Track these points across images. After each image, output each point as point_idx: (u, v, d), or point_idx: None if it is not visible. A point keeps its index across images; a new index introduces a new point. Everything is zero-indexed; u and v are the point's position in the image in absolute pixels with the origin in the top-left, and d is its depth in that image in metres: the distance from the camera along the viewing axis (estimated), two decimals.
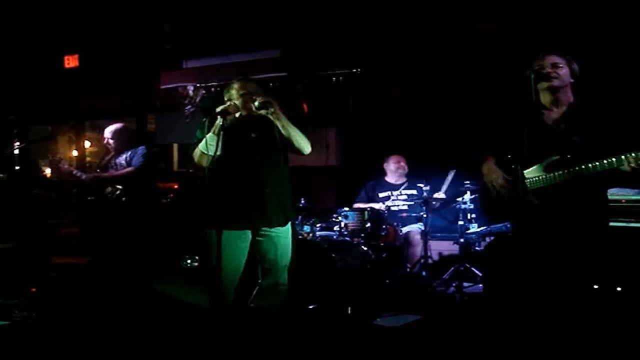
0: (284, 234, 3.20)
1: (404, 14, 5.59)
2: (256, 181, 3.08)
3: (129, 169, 4.76)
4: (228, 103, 3.00)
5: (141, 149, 4.86)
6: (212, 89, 6.50)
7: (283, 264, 3.20)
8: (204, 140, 2.99)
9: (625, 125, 2.53)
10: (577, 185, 2.48)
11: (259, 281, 3.28)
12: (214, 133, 2.92)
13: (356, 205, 5.21)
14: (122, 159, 4.84)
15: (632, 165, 2.30)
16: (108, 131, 4.92)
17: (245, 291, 3.51)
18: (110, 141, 4.89)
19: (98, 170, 4.97)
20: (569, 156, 2.51)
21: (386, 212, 4.97)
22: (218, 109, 2.95)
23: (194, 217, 3.57)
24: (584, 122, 2.54)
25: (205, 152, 2.98)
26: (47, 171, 8.33)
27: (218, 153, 2.86)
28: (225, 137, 2.94)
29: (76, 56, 7.16)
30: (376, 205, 5.10)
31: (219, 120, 2.90)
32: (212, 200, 3.15)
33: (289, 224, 3.27)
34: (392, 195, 5.27)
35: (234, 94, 3.12)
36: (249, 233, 3.16)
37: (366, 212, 4.72)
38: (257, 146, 3.13)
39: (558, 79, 2.59)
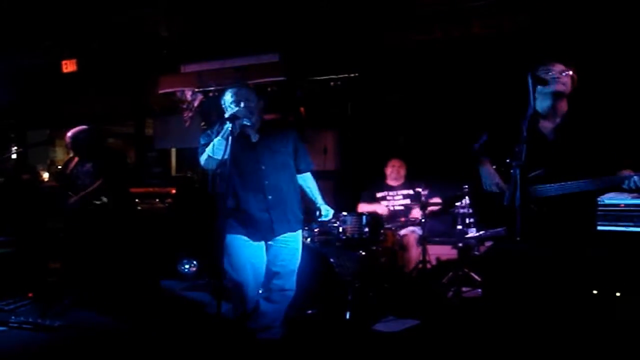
0: (292, 239, 3.27)
1: (402, 18, 5.60)
2: (260, 189, 3.11)
3: (98, 182, 4.61)
4: (236, 108, 3.00)
5: (103, 161, 4.69)
6: (210, 94, 6.51)
7: (291, 268, 3.26)
8: (211, 144, 2.98)
9: (616, 141, 2.58)
10: (571, 195, 2.51)
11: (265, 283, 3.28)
12: (222, 137, 2.91)
13: (361, 205, 5.33)
14: (87, 168, 4.70)
15: (632, 187, 2.35)
16: (69, 133, 4.76)
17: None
18: (71, 145, 4.75)
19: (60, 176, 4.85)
20: (561, 168, 2.54)
21: (386, 216, 4.96)
22: (227, 114, 2.97)
23: (209, 222, 3.51)
24: (576, 136, 2.59)
25: (212, 155, 2.97)
26: (45, 175, 8.32)
27: (225, 157, 2.87)
28: (234, 143, 2.94)
29: (74, 61, 7.16)
30: (379, 209, 5.19)
31: (228, 125, 2.90)
32: (224, 208, 3.08)
33: (299, 230, 3.32)
34: (389, 195, 5.38)
35: (227, 100, 3.14)
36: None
37: (364, 217, 4.71)
38: (262, 153, 3.16)
39: (564, 86, 2.63)
